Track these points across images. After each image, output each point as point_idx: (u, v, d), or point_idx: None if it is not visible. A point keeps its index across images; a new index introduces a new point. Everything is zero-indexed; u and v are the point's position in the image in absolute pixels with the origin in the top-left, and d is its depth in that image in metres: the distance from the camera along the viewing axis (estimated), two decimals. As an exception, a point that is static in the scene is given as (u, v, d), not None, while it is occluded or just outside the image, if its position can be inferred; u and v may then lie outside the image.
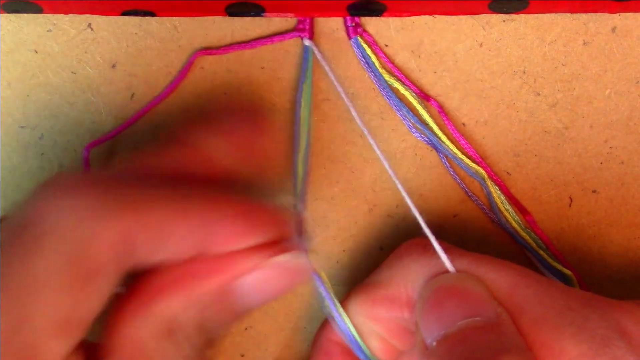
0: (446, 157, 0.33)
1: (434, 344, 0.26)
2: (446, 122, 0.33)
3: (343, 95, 0.31)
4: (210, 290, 0.26)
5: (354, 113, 0.31)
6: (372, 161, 0.33)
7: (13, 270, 0.24)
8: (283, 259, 0.27)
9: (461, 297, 0.27)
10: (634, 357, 0.26)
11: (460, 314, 0.26)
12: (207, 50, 0.31)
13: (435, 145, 0.33)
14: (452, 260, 0.28)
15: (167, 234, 0.25)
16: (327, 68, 0.32)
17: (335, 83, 0.31)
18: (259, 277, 0.27)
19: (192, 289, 0.26)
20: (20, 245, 0.24)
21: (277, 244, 0.27)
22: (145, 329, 0.26)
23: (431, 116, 0.33)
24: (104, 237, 0.24)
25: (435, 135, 0.33)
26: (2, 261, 0.24)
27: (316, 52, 0.31)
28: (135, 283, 0.26)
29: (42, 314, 0.24)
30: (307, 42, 0.31)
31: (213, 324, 0.27)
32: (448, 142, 0.33)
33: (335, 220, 0.34)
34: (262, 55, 0.32)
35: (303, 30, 0.31)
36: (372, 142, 0.30)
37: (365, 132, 0.30)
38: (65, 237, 0.24)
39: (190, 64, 0.32)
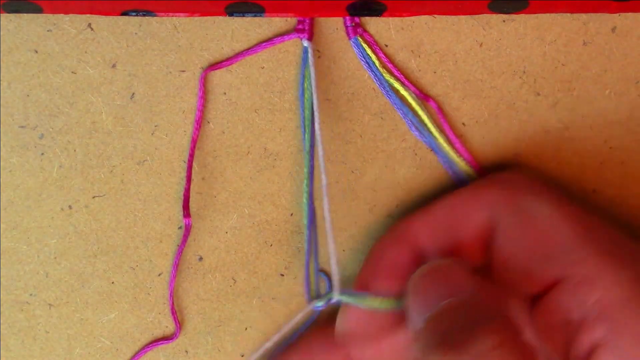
0: (443, 158, 0.33)
1: (420, 326, 0.28)
2: (443, 123, 0.33)
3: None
4: None
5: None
6: (372, 161, 0.33)
7: None
8: None
9: (440, 280, 0.28)
10: None
11: (441, 296, 0.28)
12: (214, 65, 0.32)
13: (433, 147, 0.33)
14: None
15: None
16: (312, 70, 0.32)
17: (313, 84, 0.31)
18: None
19: None
20: None
21: None
22: None
23: (430, 116, 0.33)
24: None
25: (433, 136, 0.33)
26: None
27: (310, 54, 0.31)
28: None
29: None
30: (305, 43, 0.31)
31: None
32: (445, 144, 0.33)
33: (335, 220, 0.34)
34: (262, 55, 0.32)
35: (303, 31, 0.31)
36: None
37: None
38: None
39: (203, 84, 0.32)
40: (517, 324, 0.27)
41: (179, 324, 0.35)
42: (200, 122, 0.32)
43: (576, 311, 0.27)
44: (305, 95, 0.32)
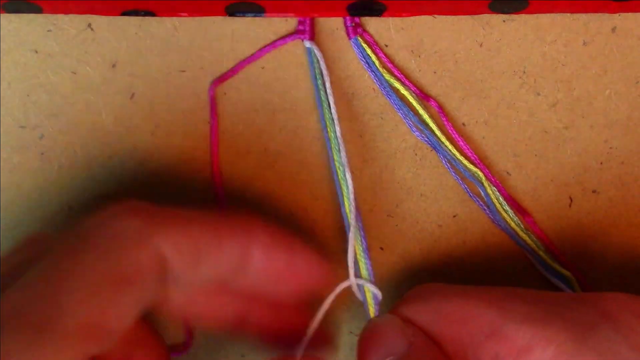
0: (446, 157, 0.33)
1: None
2: (445, 122, 0.33)
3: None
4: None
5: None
6: (371, 161, 0.33)
7: (61, 266, 0.25)
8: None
9: (378, 340, 0.30)
10: (619, 339, 0.27)
11: (380, 357, 0.29)
12: (220, 77, 0.32)
13: (434, 146, 0.33)
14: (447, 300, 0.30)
15: (203, 256, 0.28)
16: (324, 68, 0.32)
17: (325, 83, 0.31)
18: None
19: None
20: (74, 244, 0.26)
21: None
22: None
23: (431, 116, 0.33)
24: (146, 248, 0.26)
25: (435, 135, 0.33)
26: (55, 258, 0.26)
27: (317, 53, 0.31)
28: None
29: (72, 313, 0.24)
30: (307, 44, 0.31)
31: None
32: (447, 143, 0.33)
33: (336, 220, 0.34)
34: (262, 55, 0.32)
35: (303, 31, 0.31)
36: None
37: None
38: (113, 242, 0.26)
39: (213, 98, 0.32)
40: None
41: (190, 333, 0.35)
42: (216, 134, 0.32)
43: None
44: (321, 95, 0.32)
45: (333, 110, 0.31)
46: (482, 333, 0.28)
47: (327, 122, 0.32)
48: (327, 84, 0.31)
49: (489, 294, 0.29)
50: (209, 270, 0.28)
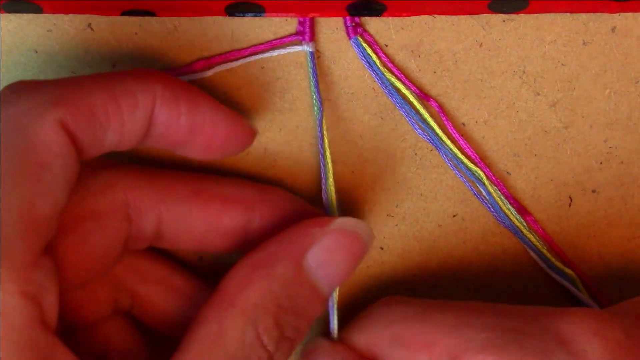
0: (447, 156, 0.33)
1: None
2: (446, 122, 0.33)
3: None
4: (285, 272, 0.28)
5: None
6: (372, 161, 0.33)
7: None
8: (344, 221, 0.30)
9: None
10: None
11: None
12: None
13: (437, 145, 0.33)
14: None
15: (104, 118, 0.27)
16: (312, 72, 0.32)
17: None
18: (326, 247, 0.29)
19: (270, 274, 0.28)
20: None
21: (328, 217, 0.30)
22: (232, 325, 0.27)
23: (431, 116, 0.33)
24: (46, 124, 0.26)
25: (436, 135, 0.33)
26: None
27: (309, 56, 0.31)
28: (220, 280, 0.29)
29: (5, 210, 0.24)
30: (304, 46, 0.31)
31: (298, 311, 0.29)
32: (448, 142, 0.33)
33: (335, 220, 0.34)
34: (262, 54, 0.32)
35: (303, 31, 0.31)
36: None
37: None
38: (9, 128, 0.25)
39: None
40: None
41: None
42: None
43: None
44: (313, 97, 0.32)
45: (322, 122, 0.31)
46: None
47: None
48: (314, 86, 0.31)
49: (450, 317, 0.30)
50: (114, 135, 0.27)
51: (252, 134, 0.31)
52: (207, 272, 0.34)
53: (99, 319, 0.31)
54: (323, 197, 0.32)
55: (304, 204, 0.32)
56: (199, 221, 0.30)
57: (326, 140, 0.32)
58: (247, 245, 0.31)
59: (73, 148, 0.26)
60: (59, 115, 0.26)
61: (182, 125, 0.28)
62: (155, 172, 0.30)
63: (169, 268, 0.32)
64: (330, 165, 0.31)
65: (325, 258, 0.29)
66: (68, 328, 0.29)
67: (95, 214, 0.28)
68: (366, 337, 0.30)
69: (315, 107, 0.32)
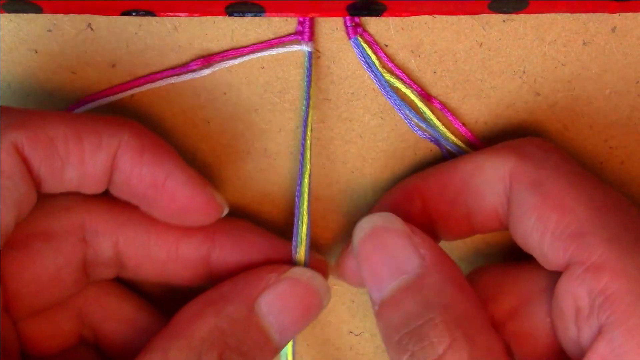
0: (451, 153, 0.33)
1: (377, 308, 0.28)
2: (451, 119, 0.33)
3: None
4: (235, 312, 0.28)
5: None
6: (372, 161, 0.33)
7: None
8: (301, 272, 0.30)
9: (385, 255, 0.28)
10: None
11: (389, 276, 0.28)
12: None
13: (440, 142, 0.33)
14: None
15: (64, 152, 0.27)
16: (307, 73, 0.32)
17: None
18: (279, 294, 0.29)
19: (220, 311, 0.28)
20: None
21: (286, 264, 0.30)
22: (176, 355, 0.27)
23: (433, 114, 0.33)
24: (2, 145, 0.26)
25: (440, 132, 0.33)
26: None
27: (306, 57, 0.31)
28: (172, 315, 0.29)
29: None
30: (302, 46, 0.31)
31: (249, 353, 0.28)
32: (454, 138, 0.33)
33: (335, 221, 0.35)
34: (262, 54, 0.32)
35: (303, 32, 0.31)
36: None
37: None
38: None
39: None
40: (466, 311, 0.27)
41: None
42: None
43: (583, 299, 0.27)
44: (305, 96, 0.32)
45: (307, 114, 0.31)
46: (568, 232, 0.28)
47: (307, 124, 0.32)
48: (307, 86, 0.31)
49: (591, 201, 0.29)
50: (75, 172, 0.28)
51: (219, 207, 0.30)
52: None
53: (64, 350, 0.31)
54: (295, 210, 0.31)
55: (268, 236, 0.32)
56: (158, 249, 0.31)
57: (309, 142, 0.31)
58: (210, 279, 0.31)
59: (27, 173, 0.27)
60: (14, 137, 0.27)
61: (143, 176, 0.29)
62: (115, 198, 0.30)
63: (135, 306, 0.32)
64: (308, 166, 0.31)
65: (277, 304, 0.29)
66: (32, 357, 0.30)
67: (47, 234, 0.29)
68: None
69: (303, 107, 0.32)
